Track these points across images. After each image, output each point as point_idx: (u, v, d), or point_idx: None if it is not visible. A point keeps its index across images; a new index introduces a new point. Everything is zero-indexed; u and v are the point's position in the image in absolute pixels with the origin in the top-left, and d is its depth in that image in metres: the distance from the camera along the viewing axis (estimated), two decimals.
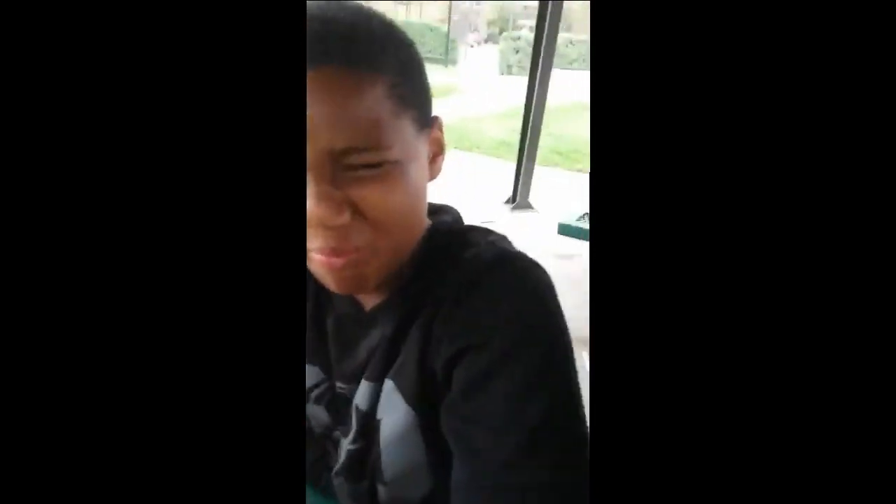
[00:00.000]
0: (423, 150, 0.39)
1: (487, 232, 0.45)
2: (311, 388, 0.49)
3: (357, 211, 0.35)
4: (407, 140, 0.36)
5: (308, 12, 0.34)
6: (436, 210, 0.47)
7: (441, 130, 0.42)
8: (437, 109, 0.42)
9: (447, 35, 13.24)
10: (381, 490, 0.45)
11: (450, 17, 14.46)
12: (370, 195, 0.35)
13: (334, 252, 0.36)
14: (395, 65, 0.36)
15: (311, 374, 0.49)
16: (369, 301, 0.45)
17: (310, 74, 0.33)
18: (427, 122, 0.39)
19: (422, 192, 0.40)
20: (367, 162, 0.34)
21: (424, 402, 0.41)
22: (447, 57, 12.88)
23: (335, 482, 0.49)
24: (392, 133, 0.35)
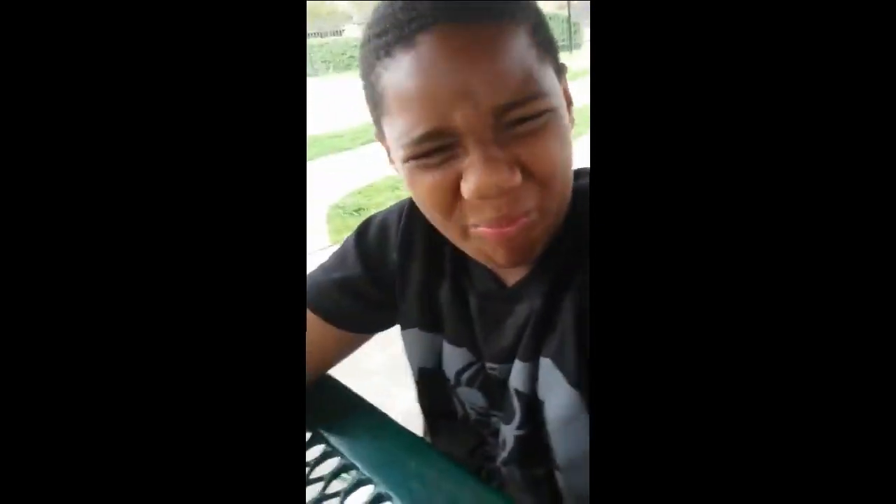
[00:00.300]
0: (563, 98, 0.37)
1: None
2: (462, 371, 0.47)
3: (524, 171, 0.33)
4: (555, 86, 0.35)
5: None
6: (575, 174, 0.43)
7: (566, 79, 0.40)
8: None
9: (568, 20, 12.95)
10: (559, 476, 0.43)
11: (569, 2, 14.10)
12: (536, 150, 0.33)
13: (507, 220, 0.34)
14: (529, 12, 0.35)
15: (461, 356, 0.47)
16: (511, 276, 0.43)
17: (453, 35, 0.32)
18: (560, 70, 0.38)
19: (571, 145, 0.37)
20: (529, 114, 0.33)
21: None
22: (571, 42, 12.60)
23: (504, 471, 0.47)
24: (544, 80, 0.34)
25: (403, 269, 0.48)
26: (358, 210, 3.31)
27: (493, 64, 0.32)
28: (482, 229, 0.35)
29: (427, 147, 0.33)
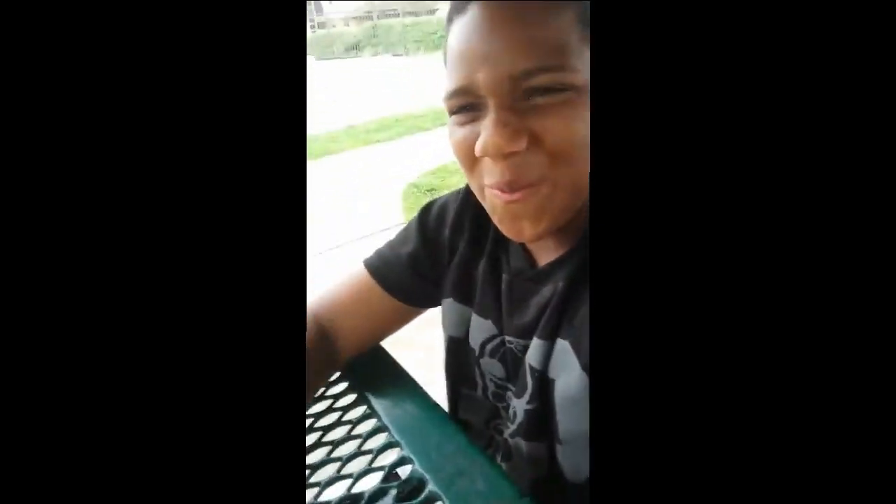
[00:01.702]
0: None
1: None
2: (486, 342, 0.49)
3: (536, 141, 0.35)
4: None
5: None
6: None
7: None
8: None
9: None
10: (559, 449, 0.45)
11: None
12: (552, 123, 0.34)
13: (510, 186, 0.36)
14: None
15: (485, 327, 0.49)
16: (543, 257, 0.45)
17: (495, 5, 0.34)
18: None
19: None
20: (551, 83, 0.34)
21: None
22: None
23: (511, 443, 0.48)
24: (577, 57, 0.34)
25: (452, 245, 0.52)
26: (431, 190, 3.36)
27: (519, 33, 0.34)
28: (492, 191, 0.38)
29: (457, 102, 0.37)
